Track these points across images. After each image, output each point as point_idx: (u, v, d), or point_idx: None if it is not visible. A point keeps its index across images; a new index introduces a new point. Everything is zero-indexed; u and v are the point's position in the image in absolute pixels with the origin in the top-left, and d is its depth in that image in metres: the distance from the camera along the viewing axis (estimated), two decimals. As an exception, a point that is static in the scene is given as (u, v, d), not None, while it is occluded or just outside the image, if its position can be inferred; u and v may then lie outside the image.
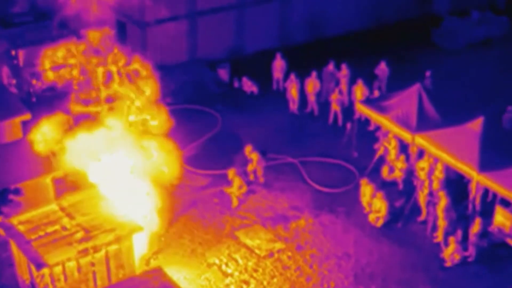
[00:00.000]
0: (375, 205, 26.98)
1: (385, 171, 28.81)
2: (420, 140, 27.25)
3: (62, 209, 23.66)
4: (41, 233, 22.73)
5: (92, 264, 22.46)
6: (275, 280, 24.81)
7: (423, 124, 27.62)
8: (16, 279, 23.71)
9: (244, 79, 34.47)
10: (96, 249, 22.34)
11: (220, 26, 36.02)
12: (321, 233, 26.73)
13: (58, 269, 21.91)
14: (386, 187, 28.13)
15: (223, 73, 34.92)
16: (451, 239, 25.24)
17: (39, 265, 21.68)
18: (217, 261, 25.49)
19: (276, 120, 32.75)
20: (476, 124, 26.46)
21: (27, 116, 27.43)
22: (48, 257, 21.88)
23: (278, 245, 26.16)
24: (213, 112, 32.89)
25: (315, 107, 32.83)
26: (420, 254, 25.84)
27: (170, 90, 33.59)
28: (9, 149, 25.96)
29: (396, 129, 28.02)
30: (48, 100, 30.38)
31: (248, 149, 28.58)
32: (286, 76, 33.50)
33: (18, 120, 27.44)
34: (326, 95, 32.82)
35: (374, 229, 26.89)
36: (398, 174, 28.46)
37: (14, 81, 33.03)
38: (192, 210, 27.66)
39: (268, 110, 33.33)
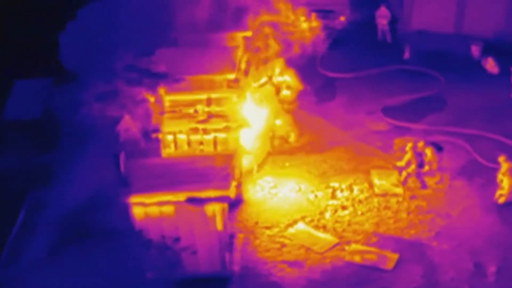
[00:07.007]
0: (503, 182, 27.17)
1: None
2: None
3: (209, 99, 27.98)
4: (177, 109, 27.53)
5: (201, 143, 26.83)
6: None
7: None
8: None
9: (489, 59, 35.09)
10: (205, 131, 26.68)
11: (492, 5, 36.47)
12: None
13: (169, 138, 26.73)
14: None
15: (475, 50, 35.88)
16: None
17: (154, 130, 26.74)
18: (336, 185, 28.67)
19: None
20: None
21: (247, 33, 32.32)
22: (165, 126, 26.82)
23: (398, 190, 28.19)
24: (440, 79, 34.49)
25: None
26: None
27: (415, 53, 36.14)
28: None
29: None
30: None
31: (420, 144, 28.53)
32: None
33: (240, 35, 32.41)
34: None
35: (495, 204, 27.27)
36: None
37: None
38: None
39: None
